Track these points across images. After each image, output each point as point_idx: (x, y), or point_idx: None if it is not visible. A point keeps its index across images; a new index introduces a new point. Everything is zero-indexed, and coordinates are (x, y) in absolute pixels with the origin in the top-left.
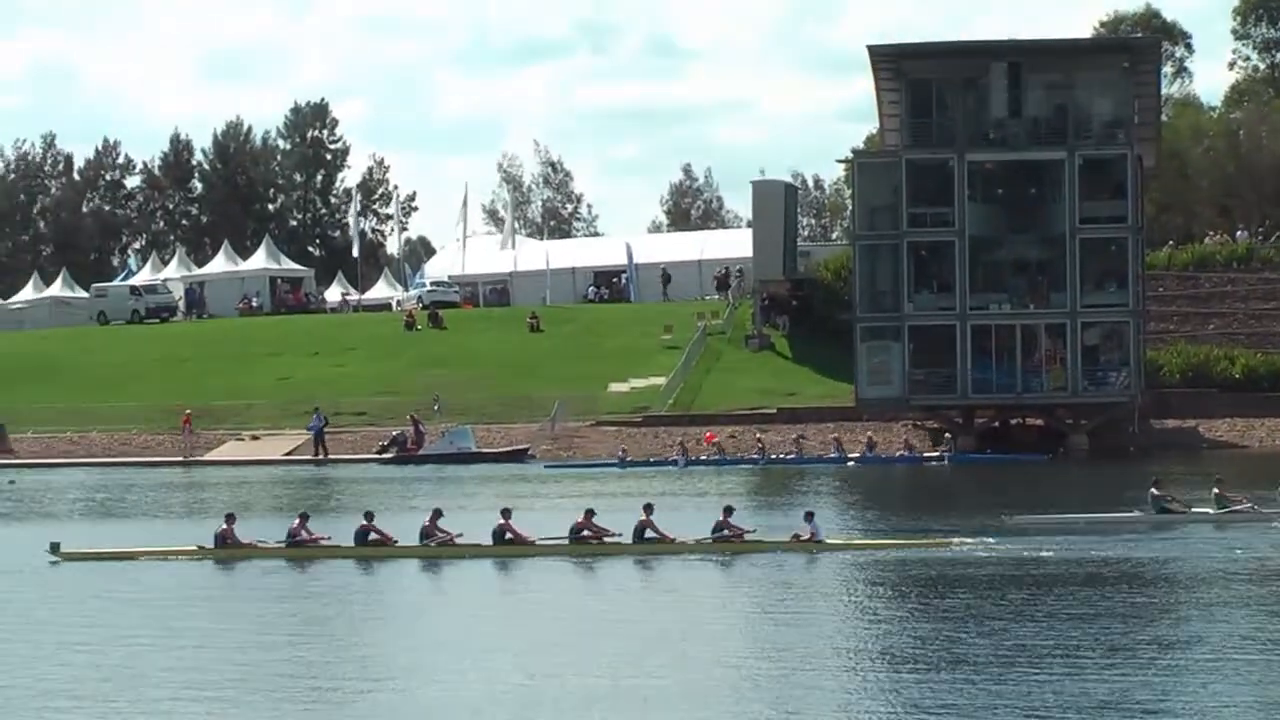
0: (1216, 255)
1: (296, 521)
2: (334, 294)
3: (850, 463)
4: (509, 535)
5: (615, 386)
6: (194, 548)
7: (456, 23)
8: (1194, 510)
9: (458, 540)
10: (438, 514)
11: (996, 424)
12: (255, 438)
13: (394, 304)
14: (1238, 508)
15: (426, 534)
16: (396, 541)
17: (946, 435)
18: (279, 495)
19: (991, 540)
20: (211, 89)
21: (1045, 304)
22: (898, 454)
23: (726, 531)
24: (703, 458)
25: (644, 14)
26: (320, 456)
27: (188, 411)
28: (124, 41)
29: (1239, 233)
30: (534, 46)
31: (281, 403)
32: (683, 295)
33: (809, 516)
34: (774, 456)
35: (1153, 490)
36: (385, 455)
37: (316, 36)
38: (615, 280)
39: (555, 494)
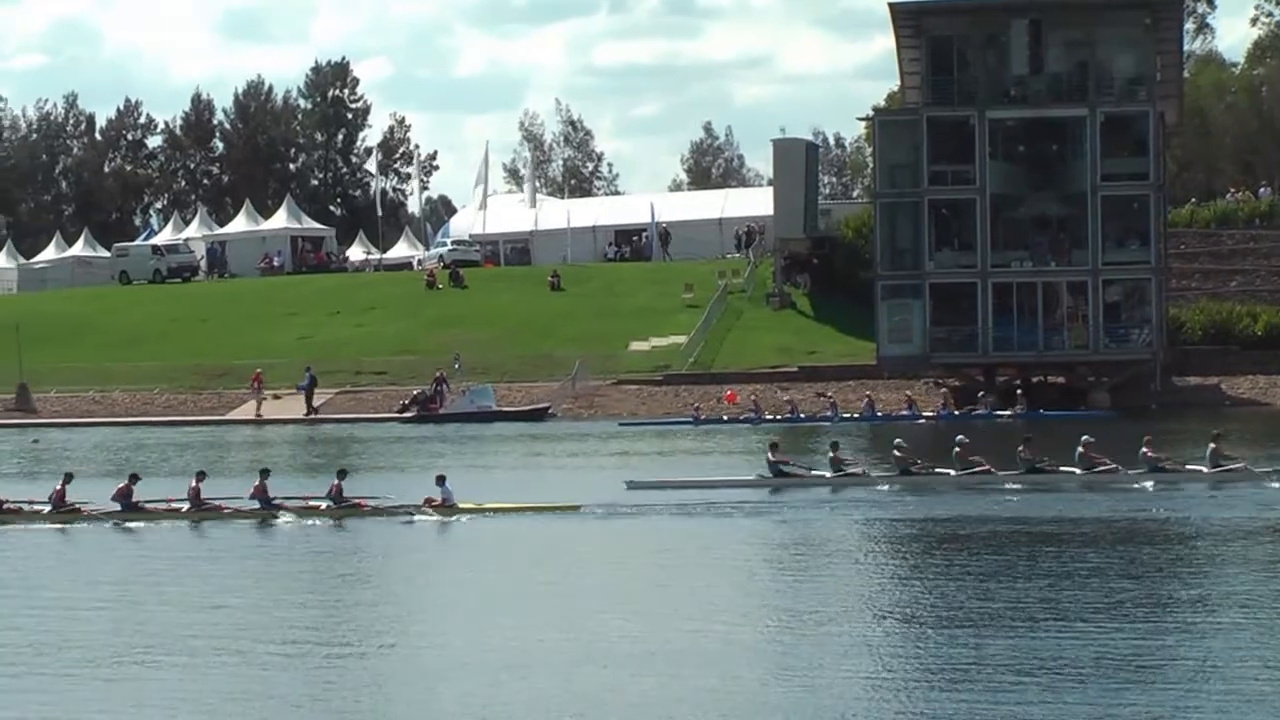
0: (1239, 212)
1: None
2: (355, 253)
3: (922, 420)
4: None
5: (636, 345)
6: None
7: None
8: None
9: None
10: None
11: (1018, 382)
12: (276, 397)
13: (415, 263)
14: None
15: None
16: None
17: (1019, 392)
18: (296, 455)
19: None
20: (233, 48)
21: (1067, 261)
22: (974, 411)
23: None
24: (776, 416)
25: None
26: (308, 414)
27: (258, 370)
28: (146, 1)
29: (1261, 189)
30: (554, 4)
31: (302, 362)
32: (702, 254)
33: (440, 480)
34: (845, 415)
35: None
36: (406, 414)
37: None
38: (636, 239)
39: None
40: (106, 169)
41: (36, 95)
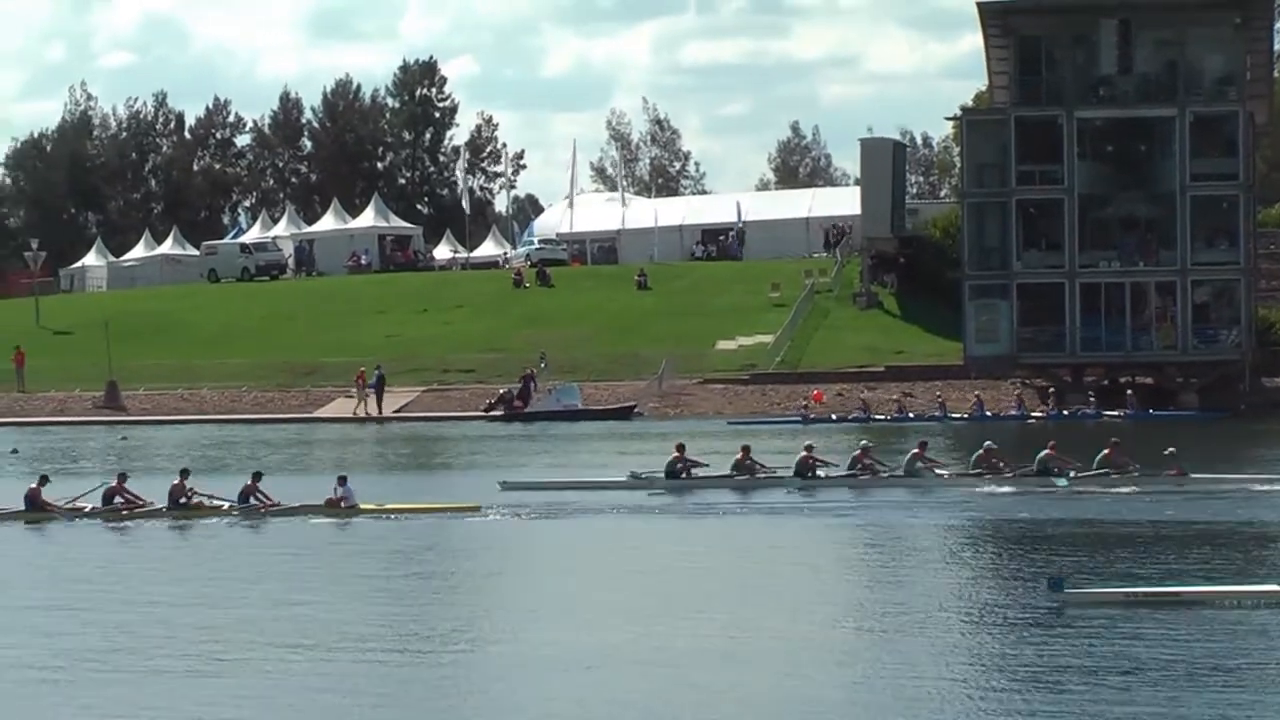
0: None
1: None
2: (442, 252)
3: (1032, 420)
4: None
5: (722, 344)
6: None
7: None
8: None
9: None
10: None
11: (1106, 382)
12: (355, 396)
13: (502, 262)
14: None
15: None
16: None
17: (1129, 393)
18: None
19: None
20: (321, 47)
21: (1155, 262)
22: (1079, 410)
23: (253, 500)
24: (881, 416)
25: None
26: (379, 413)
27: (362, 369)
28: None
29: None
30: (641, 3)
31: (390, 360)
32: (788, 253)
33: (342, 481)
34: (954, 415)
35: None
36: (493, 413)
37: None
38: (722, 238)
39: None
40: (195, 167)
41: (126, 94)
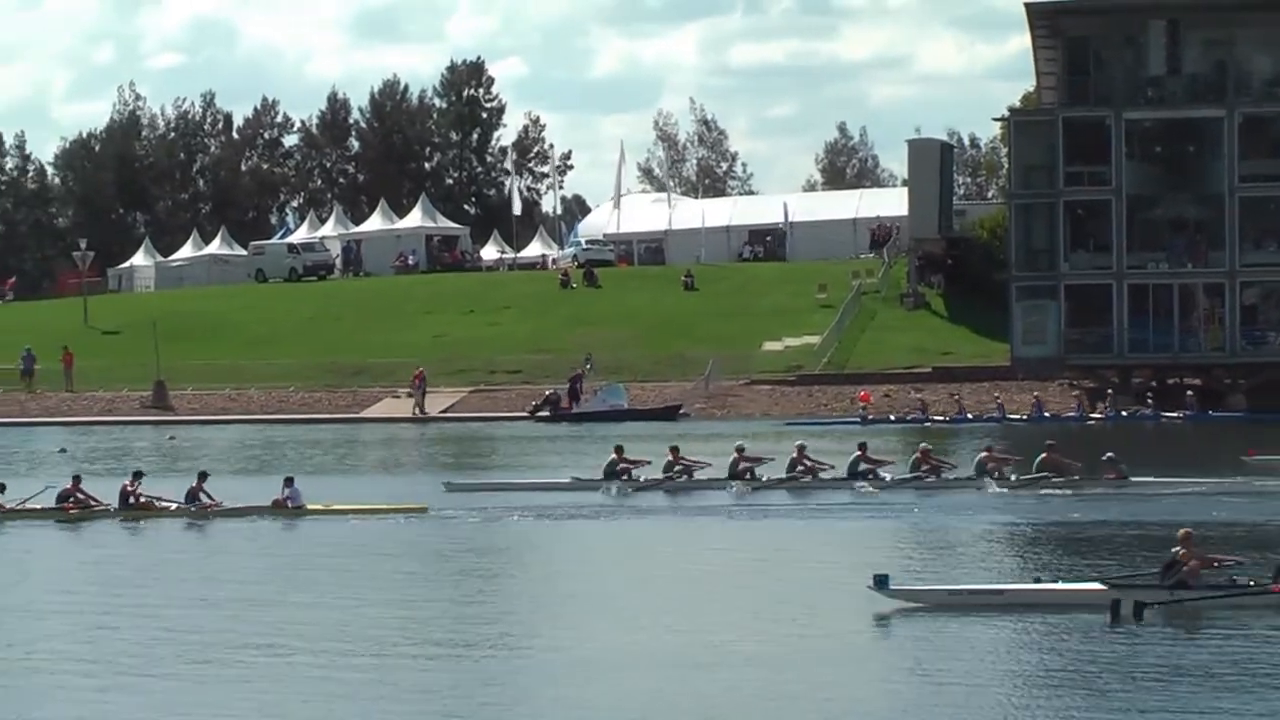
0: None
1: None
2: (489, 252)
3: (1090, 421)
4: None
5: (769, 345)
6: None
7: None
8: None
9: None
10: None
11: (1154, 383)
12: (410, 395)
13: (549, 262)
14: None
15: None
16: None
17: (1189, 395)
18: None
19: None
20: (368, 47)
21: (1203, 263)
22: (1137, 412)
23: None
24: (940, 417)
25: None
26: (421, 414)
27: (419, 369)
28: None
29: None
30: (688, 4)
31: (436, 360)
32: (835, 254)
33: (289, 482)
34: (1013, 416)
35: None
36: (539, 414)
37: None
38: (769, 239)
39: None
40: (243, 167)
41: (175, 94)
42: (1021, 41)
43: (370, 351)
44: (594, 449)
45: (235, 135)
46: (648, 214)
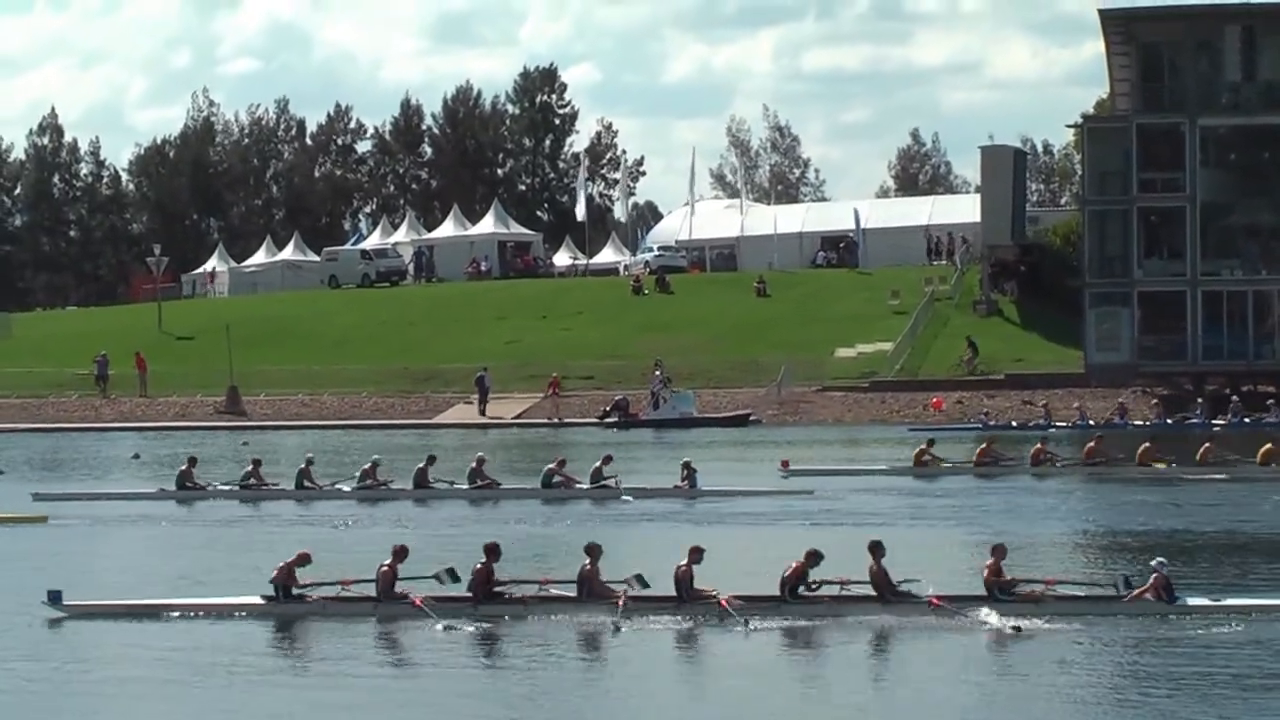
0: None
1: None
2: (562, 258)
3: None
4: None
5: (842, 351)
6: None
7: None
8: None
9: None
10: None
11: (1228, 391)
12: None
13: (621, 268)
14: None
15: None
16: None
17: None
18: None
19: None
20: (442, 53)
21: (1278, 270)
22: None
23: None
24: (1059, 424)
25: None
26: (482, 415)
27: (555, 375)
28: (356, 5)
29: None
30: (762, 9)
31: (510, 366)
32: (909, 260)
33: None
34: (1138, 423)
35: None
36: (608, 420)
37: (546, 0)
38: (842, 245)
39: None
40: (316, 174)
41: (249, 100)
42: (1095, 47)
43: (443, 357)
44: (663, 454)
45: (309, 141)
46: (720, 220)
